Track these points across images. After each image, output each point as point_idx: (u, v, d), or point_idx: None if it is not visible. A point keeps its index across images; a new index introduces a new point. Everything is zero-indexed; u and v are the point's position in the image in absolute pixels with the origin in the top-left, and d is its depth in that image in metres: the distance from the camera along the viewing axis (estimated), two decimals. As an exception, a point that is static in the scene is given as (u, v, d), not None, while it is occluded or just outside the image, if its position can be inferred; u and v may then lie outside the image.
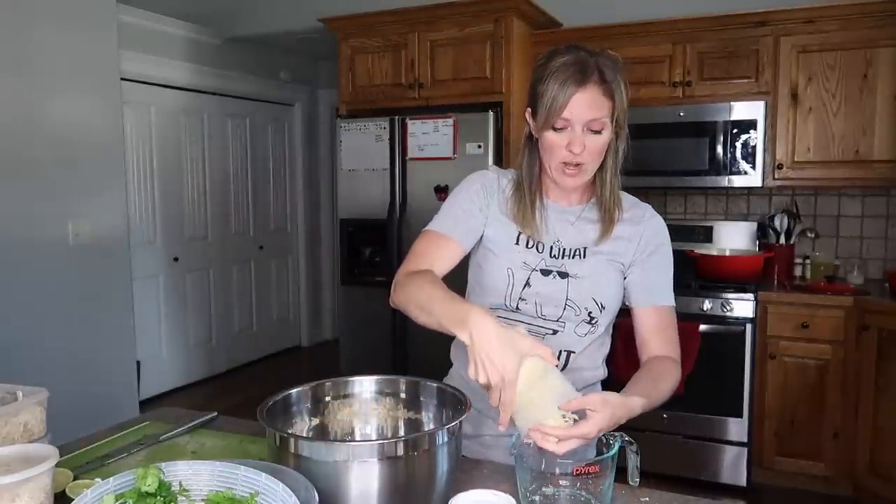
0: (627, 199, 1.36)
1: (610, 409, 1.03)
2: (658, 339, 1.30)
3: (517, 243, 1.31)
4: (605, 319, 1.32)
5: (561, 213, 1.33)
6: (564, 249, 1.31)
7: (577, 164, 1.22)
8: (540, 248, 1.31)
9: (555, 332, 1.29)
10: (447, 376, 1.44)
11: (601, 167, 1.28)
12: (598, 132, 1.20)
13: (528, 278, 1.29)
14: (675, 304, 1.34)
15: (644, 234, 1.32)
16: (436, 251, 1.30)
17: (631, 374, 1.23)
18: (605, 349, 1.39)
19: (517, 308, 1.30)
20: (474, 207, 1.33)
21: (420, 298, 1.15)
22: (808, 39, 3.08)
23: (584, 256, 1.30)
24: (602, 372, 1.39)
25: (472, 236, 1.34)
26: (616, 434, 1.01)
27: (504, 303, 1.30)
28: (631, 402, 1.10)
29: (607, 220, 1.30)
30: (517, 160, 1.35)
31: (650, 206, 1.38)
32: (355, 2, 3.88)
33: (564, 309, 1.28)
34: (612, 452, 0.97)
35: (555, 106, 1.18)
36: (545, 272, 1.29)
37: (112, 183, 3.40)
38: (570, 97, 1.17)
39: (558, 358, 1.28)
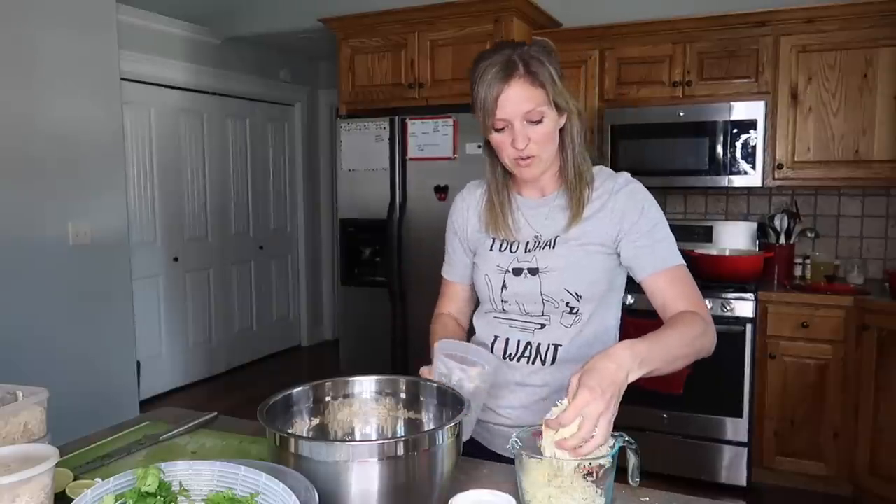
0: (602, 174, 1.32)
1: (579, 375, 0.95)
2: (672, 297, 1.22)
3: (491, 249, 1.35)
4: (589, 307, 1.28)
5: (534, 208, 1.34)
6: (529, 242, 1.31)
7: (528, 157, 1.24)
8: (514, 248, 1.32)
9: (542, 325, 1.30)
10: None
11: (562, 150, 1.29)
12: (539, 122, 1.22)
13: (504, 281, 1.32)
14: (683, 262, 1.26)
15: (618, 204, 1.27)
16: (446, 295, 1.50)
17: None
18: (606, 342, 1.32)
19: (504, 310, 1.34)
20: (455, 241, 1.45)
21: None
22: (808, 39, 3.08)
23: (554, 247, 1.28)
24: None
25: (467, 268, 1.44)
26: (616, 434, 1.00)
27: (493, 307, 1.35)
28: (614, 348, 0.99)
29: (575, 203, 1.28)
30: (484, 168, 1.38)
31: (626, 173, 1.32)
32: (355, 2, 3.88)
33: (543, 304, 1.29)
34: (612, 452, 0.97)
35: (487, 109, 1.22)
36: (517, 272, 1.31)
37: (112, 183, 3.40)
38: (498, 97, 1.20)
39: (546, 353, 1.30)
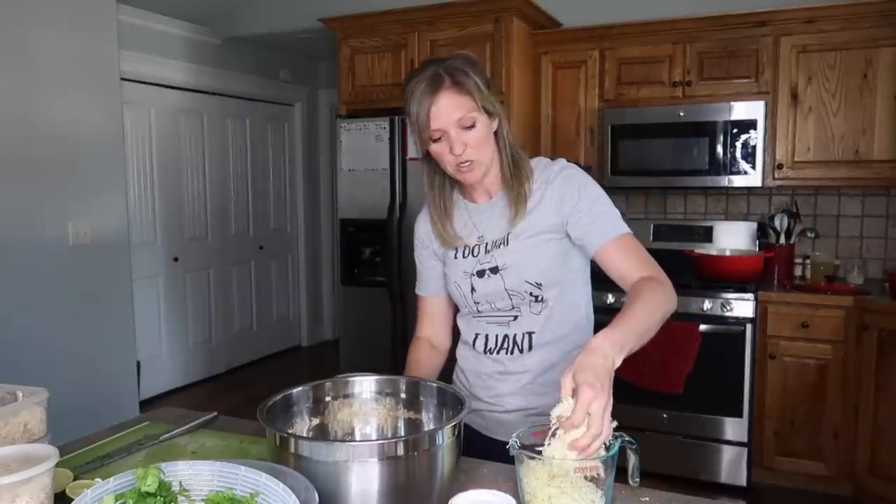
0: (539, 165, 1.39)
1: (571, 375, 0.98)
2: (627, 267, 1.27)
3: (456, 257, 1.42)
4: (552, 292, 1.34)
5: (482, 211, 1.40)
6: (488, 243, 1.37)
7: (467, 161, 1.29)
8: (475, 252, 1.39)
9: (515, 318, 1.37)
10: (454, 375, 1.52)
11: (498, 152, 1.35)
12: (471, 127, 1.28)
13: (471, 284, 1.39)
14: (629, 231, 1.31)
15: (556, 192, 1.33)
16: (423, 313, 1.55)
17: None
18: (578, 319, 1.39)
19: (478, 310, 1.40)
20: (423, 254, 1.51)
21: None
22: (808, 39, 3.08)
23: (507, 243, 1.35)
24: (578, 339, 1.37)
25: (439, 278, 1.49)
26: (617, 434, 1.00)
27: (468, 309, 1.42)
28: (594, 341, 1.02)
29: (514, 199, 1.34)
30: (423, 183, 1.43)
31: (562, 160, 1.38)
32: (355, 2, 3.88)
33: (510, 298, 1.35)
34: (612, 452, 0.97)
35: (421, 122, 1.28)
36: (480, 273, 1.38)
37: (112, 183, 3.40)
38: (430, 109, 1.26)
39: (522, 341, 1.37)
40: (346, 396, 1.21)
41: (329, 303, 6.03)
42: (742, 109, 3.14)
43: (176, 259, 4.62)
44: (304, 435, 1.14)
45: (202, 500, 0.88)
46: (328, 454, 0.91)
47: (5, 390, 1.13)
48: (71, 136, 3.18)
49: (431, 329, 1.53)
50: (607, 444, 0.97)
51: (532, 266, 1.33)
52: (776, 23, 3.11)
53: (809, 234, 3.39)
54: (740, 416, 2.99)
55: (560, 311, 1.36)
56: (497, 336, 1.39)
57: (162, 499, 0.84)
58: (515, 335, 1.37)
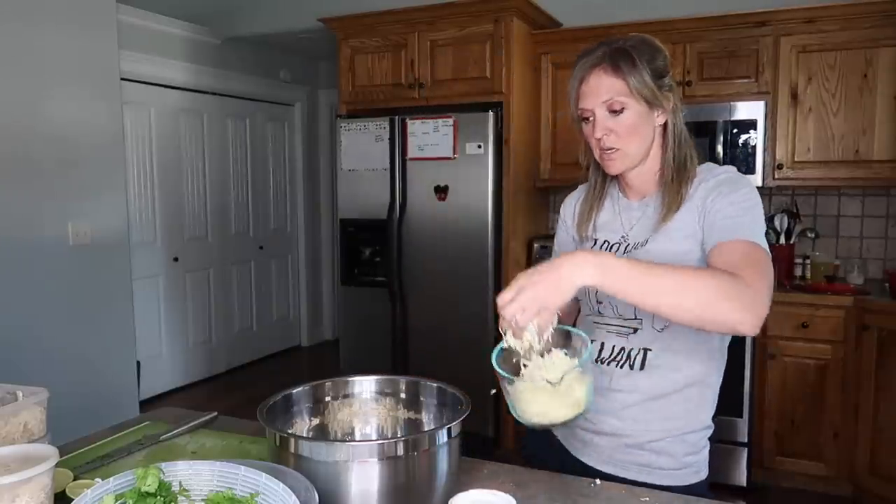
0: (703, 169, 1.27)
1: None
2: (722, 261, 1.10)
3: (594, 248, 1.34)
4: None
5: (632, 209, 1.32)
6: (630, 245, 1.28)
7: (612, 148, 1.23)
8: (615, 250, 1.30)
9: (635, 330, 1.26)
10: None
11: (663, 151, 1.27)
12: (619, 111, 1.21)
13: None
14: (759, 243, 1.12)
15: (703, 192, 1.22)
16: None
17: None
18: (706, 342, 1.24)
19: (600, 312, 1.31)
20: (563, 234, 1.45)
21: None
22: (808, 39, 3.08)
23: (645, 245, 1.25)
24: (701, 374, 1.25)
25: None
26: (583, 336, 1.04)
27: (590, 309, 1.33)
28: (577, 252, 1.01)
29: (667, 202, 1.24)
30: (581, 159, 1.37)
31: (729, 167, 1.26)
32: (355, 2, 3.88)
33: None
34: (584, 357, 1.00)
35: (572, 97, 1.25)
36: None
37: (112, 183, 3.40)
38: (580, 86, 1.23)
39: (636, 357, 1.26)
40: (346, 396, 1.21)
41: (329, 303, 6.03)
42: (742, 109, 3.13)
43: (176, 259, 4.62)
44: (304, 435, 1.14)
45: (202, 500, 0.88)
46: (328, 454, 0.91)
47: (5, 390, 1.13)
48: (71, 136, 3.18)
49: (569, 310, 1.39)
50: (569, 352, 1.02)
51: None
52: (776, 23, 3.11)
53: (809, 234, 3.39)
54: (740, 416, 2.99)
55: (686, 334, 1.22)
56: (614, 347, 1.28)
57: (162, 499, 0.84)
58: (632, 350, 1.26)
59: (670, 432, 1.25)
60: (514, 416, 1.03)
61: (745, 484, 3.02)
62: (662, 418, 1.25)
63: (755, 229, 1.14)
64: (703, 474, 1.28)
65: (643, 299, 1.01)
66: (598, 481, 1.16)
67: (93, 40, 3.27)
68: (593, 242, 1.35)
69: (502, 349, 1.03)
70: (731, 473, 3.03)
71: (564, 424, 1.01)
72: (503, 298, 0.99)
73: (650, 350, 1.24)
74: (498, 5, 3.27)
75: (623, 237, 1.30)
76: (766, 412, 3.03)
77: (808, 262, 3.34)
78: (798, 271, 3.39)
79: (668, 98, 1.23)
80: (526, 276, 0.99)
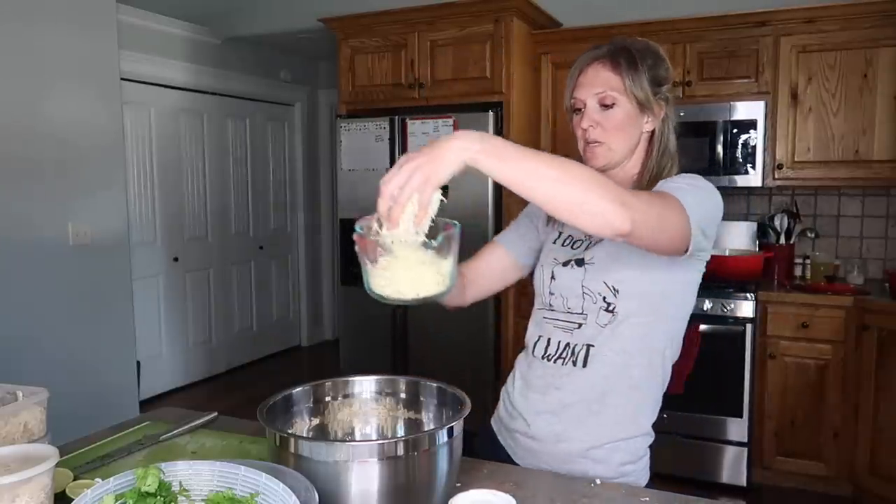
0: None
1: None
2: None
3: (554, 243, 1.36)
4: (625, 306, 1.22)
5: None
6: (593, 241, 1.29)
7: (596, 142, 1.24)
8: (575, 246, 1.32)
9: (579, 325, 1.27)
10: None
11: (647, 156, 1.27)
12: (609, 106, 1.23)
13: (553, 272, 1.32)
14: (678, 197, 1.11)
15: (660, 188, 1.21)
16: (481, 253, 1.43)
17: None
18: (651, 342, 1.25)
19: (551, 305, 1.32)
20: (525, 220, 1.44)
21: None
22: (808, 39, 3.08)
23: (603, 240, 1.26)
24: (642, 377, 1.26)
25: (520, 239, 1.42)
26: (455, 223, 1.02)
27: (542, 302, 1.34)
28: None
29: None
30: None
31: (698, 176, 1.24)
32: (355, 2, 3.88)
33: (583, 298, 1.26)
34: (440, 239, 0.97)
35: (569, 87, 1.27)
36: (566, 263, 1.30)
37: (112, 183, 3.40)
38: (579, 76, 1.25)
39: (579, 353, 1.26)
40: (346, 396, 1.21)
41: (329, 303, 6.03)
42: (742, 109, 3.14)
43: (176, 259, 4.62)
44: (304, 435, 1.14)
45: (202, 500, 0.88)
46: (328, 454, 0.91)
47: (5, 390, 1.13)
48: (71, 136, 3.18)
49: (472, 264, 1.40)
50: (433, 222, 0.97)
51: (617, 267, 1.23)
52: (776, 23, 3.11)
53: (809, 234, 3.39)
54: (740, 416, 2.99)
55: (629, 333, 1.23)
56: (560, 342, 1.29)
57: (162, 499, 0.84)
58: (576, 346, 1.26)
59: (609, 438, 1.25)
60: (369, 291, 1.01)
61: (745, 484, 3.02)
62: (600, 423, 1.25)
63: (688, 199, 1.12)
64: (643, 483, 1.28)
65: (523, 181, 0.96)
66: (598, 481, 1.16)
67: (93, 40, 3.27)
68: (557, 234, 1.36)
69: (363, 227, 0.99)
70: (731, 473, 3.04)
71: (421, 300, 0.99)
72: (384, 178, 0.95)
73: (593, 346, 1.25)
74: (498, 5, 3.27)
75: (587, 235, 1.30)
76: (766, 412, 3.03)
77: (808, 262, 3.34)
78: (798, 271, 3.39)
79: (661, 106, 1.26)
80: (407, 154, 0.96)
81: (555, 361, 1.29)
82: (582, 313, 1.26)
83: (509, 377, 1.42)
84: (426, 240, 0.97)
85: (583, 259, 1.28)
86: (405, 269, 0.97)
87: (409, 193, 0.93)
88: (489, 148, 0.95)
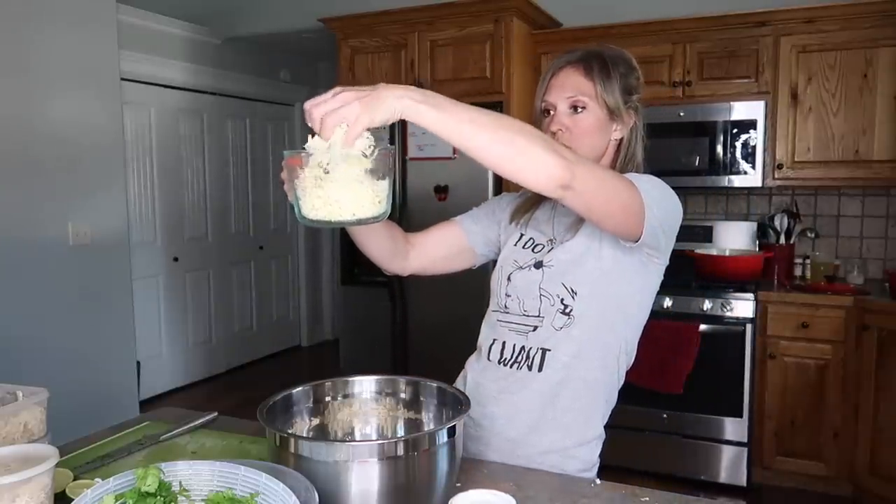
0: None
1: None
2: None
3: (515, 245, 1.35)
4: (582, 308, 1.22)
5: (569, 213, 1.28)
6: (554, 242, 1.29)
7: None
8: (536, 249, 1.31)
9: (535, 328, 1.26)
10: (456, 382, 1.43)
11: (613, 164, 1.29)
12: (580, 111, 1.24)
13: (510, 274, 1.31)
14: (637, 188, 1.11)
15: None
16: (434, 227, 1.44)
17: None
18: (608, 346, 1.26)
19: (506, 307, 1.31)
20: (488, 209, 1.44)
21: None
22: (808, 39, 3.08)
23: (563, 244, 1.26)
24: (598, 382, 1.27)
25: (473, 224, 1.42)
26: (389, 146, 0.99)
27: (497, 304, 1.33)
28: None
29: None
30: None
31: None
32: (355, 2, 3.88)
33: (540, 300, 1.25)
34: (375, 154, 0.93)
35: (540, 89, 1.28)
36: (523, 266, 1.30)
37: (112, 183, 3.40)
38: (551, 78, 1.26)
39: (534, 356, 1.25)
40: (346, 396, 1.20)
41: (329, 303, 6.03)
42: (742, 109, 3.14)
43: (176, 259, 4.62)
44: (304, 435, 1.14)
45: (202, 500, 0.88)
46: (328, 454, 0.91)
47: (5, 390, 1.13)
48: (71, 136, 3.18)
49: (422, 233, 1.43)
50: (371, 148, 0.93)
51: (574, 270, 1.22)
52: (776, 23, 3.11)
53: (809, 234, 3.39)
54: (740, 416, 2.99)
55: (585, 337, 1.23)
56: (515, 346, 1.28)
57: (162, 499, 0.84)
58: (531, 349, 1.25)
59: (563, 443, 1.26)
60: (301, 219, 0.97)
61: (745, 484, 3.03)
62: (553, 428, 1.26)
63: (644, 186, 1.12)
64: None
65: (461, 131, 0.95)
66: (598, 481, 1.16)
67: (93, 40, 3.27)
68: (519, 236, 1.35)
69: (295, 150, 0.95)
70: (731, 473, 3.04)
71: (357, 222, 0.95)
72: (313, 100, 0.92)
73: (549, 350, 1.24)
74: (498, 5, 3.27)
75: (550, 241, 1.30)
76: (766, 412, 3.03)
77: (808, 262, 3.34)
78: (798, 271, 3.39)
79: (631, 115, 1.29)
80: (343, 87, 0.93)
81: (510, 366, 1.28)
82: (538, 315, 1.25)
83: (458, 379, 1.40)
84: (363, 153, 0.91)
85: (542, 262, 1.27)
86: (340, 188, 0.92)
87: (337, 120, 0.90)
88: (430, 99, 0.93)
